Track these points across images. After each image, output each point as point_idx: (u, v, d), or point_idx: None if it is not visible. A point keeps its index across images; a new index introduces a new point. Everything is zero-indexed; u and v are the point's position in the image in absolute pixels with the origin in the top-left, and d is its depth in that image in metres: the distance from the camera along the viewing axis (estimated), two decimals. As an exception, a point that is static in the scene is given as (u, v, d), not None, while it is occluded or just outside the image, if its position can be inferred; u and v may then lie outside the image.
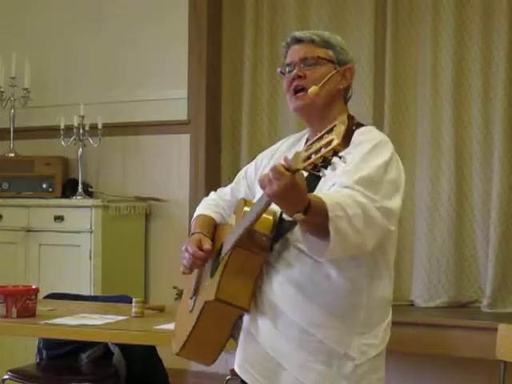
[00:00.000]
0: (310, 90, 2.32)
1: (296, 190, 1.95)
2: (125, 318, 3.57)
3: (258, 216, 2.15)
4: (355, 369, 2.25)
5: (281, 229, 2.24)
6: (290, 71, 2.40)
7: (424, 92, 4.71)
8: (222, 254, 2.32)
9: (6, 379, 3.89)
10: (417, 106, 4.76)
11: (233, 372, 3.65)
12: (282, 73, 2.44)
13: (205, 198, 2.70)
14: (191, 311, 2.47)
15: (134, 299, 3.67)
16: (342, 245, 2.06)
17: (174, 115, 5.20)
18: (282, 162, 1.93)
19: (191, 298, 2.51)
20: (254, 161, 2.61)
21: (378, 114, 4.77)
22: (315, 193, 2.15)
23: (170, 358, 4.03)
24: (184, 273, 2.49)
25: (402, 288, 4.72)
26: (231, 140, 5.23)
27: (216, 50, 5.22)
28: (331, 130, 1.80)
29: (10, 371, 3.92)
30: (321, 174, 1.84)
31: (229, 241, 2.28)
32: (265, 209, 2.11)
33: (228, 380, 3.86)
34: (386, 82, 4.76)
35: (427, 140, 4.66)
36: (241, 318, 2.34)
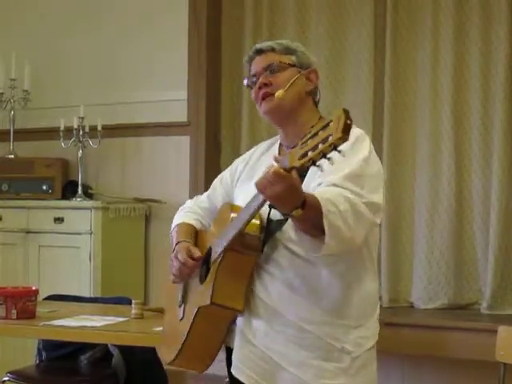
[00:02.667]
0: (276, 95, 2.37)
1: (294, 188, 2.00)
2: (124, 319, 3.57)
3: (252, 217, 2.18)
4: (352, 362, 2.30)
5: (269, 229, 2.27)
6: (255, 82, 2.46)
7: (423, 93, 4.71)
8: (212, 259, 2.33)
9: (5, 381, 3.90)
10: (416, 107, 4.76)
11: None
12: (248, 86, 2.50)
13: (181, 207, 2.76)
14: (181, 319, 2.48)
15: (133, 301, 3.67)
16: (335, 240, 2.10)
17: (174, 117, 5.20)
18: (276, 164, 1.96)
19: (180, 307, 2.52)
20: (230, 167, 2.67)
21: (377, 115, 4.78)
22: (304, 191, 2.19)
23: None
24: (174, 282, 2.52)
25: (401, 290, 4.72)
26: (231, 142, 5.23)
27: (216, 51, 5.23)
28: (327, 126, 1.83)
29: (10, 373, 3.93)
30: (319, 169, 1.88)
31: (219, 245, 2.29)
32: (258, 210, 2.14)
33: (227, 381, 3.86)
34: (385, 83, 4.76)
35: (427, 141, 4.66)
36: (233, 322, 2.36)
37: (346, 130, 1.78)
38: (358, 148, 2.28)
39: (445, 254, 4.59)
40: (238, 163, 2.63)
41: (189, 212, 2.68)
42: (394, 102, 4.75)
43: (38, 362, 4.17)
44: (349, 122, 1.79)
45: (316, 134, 1.87)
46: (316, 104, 2.49)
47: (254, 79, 2.47)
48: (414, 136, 4.75)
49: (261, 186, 2.01)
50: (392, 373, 4.41)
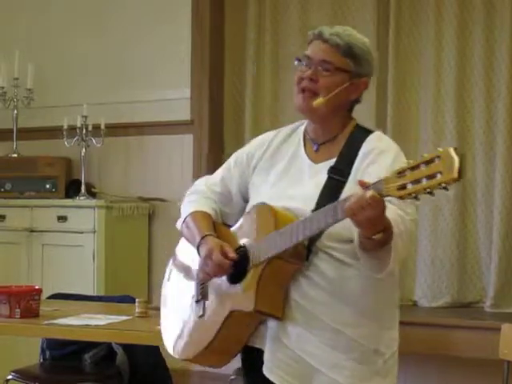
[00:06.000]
0: (315, 102, 2.30)
1: (384, 213, 2.00)
2: (128, 318, 3.57)
3: (318, 232, 2.16)
4: (384, 363, 2.30)
5: (311, 237, 2.25)
6: (305, 65, 2.35)
7: (426, 91, 4.71)
8: (253, 262, 2.28)
9: (9, 379, 3.90)
10: (419, 105, 4.76)
11: (236, 372, 3.66)
12: (298, 60, 2.38)
13: (192, 189, 2.59)
14: (201, 316, 2.43)
15: (137, 299, 3.67)
16: (395, 259, 2.12)
17: (177, 115, 5.20)
18: (371, 191, 1.95)
19: (197, 302, 2.45)
20: (246, 149, 2.55)
21: (380, 114, 4.77)
22: (342, 198, 2.18)
23: (173, 358, 4.03)
24: (204, 281, 2.42)
25: (405, 288, 4.71)
26: (234, 140, 5.23)
27: (218, 50, 5.23)
28: (431, 162, 1.85)
29: (14, 371, 3.92)
30: (417, 202, 1.93)
31: (263, 250, 2.24)
32: (328, 227, 2.13)
33: (232, 380, 3.87)
34: (388, 82, 4.76)
35: (430, 140, 4.66)
36: (260, 323, 2.33)
37: (461, 172, 1.80)
38: (399, 164, 2.26)
39: (448, 252, 4.59)
40: (257, 147, 2.52)
41: (203, 198, 2.52)
42: (396, 100, 4.75)
43: (41, 360, 4.17)
44: (463, 163, 1.80)
45: (417, 166, 1.88)
46: (352, 109, 2.43)
47: (306, 62, 2.35)
48: (417, 134, 4.75)
49: (352, 211, 1.99)
50: (395, 371, 4.40)
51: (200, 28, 5.17)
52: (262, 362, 2.31)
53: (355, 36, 2.37)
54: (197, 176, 5.14)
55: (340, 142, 2.37)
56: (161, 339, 3.33)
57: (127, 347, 3.98)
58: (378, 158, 2.27)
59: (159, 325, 3.32)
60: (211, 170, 5.05)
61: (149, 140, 5.32)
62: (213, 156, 5.17)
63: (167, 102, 5.21)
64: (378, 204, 1.96)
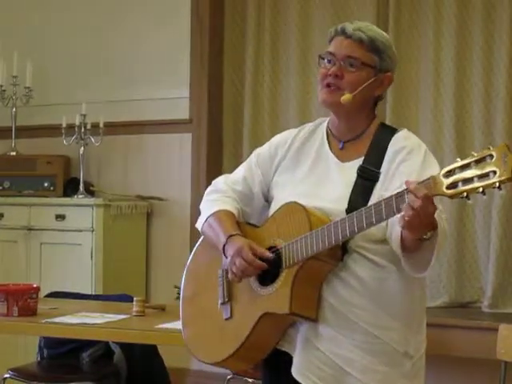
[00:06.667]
0: (342, 98, 2.27)
1: (434, 213, 1.99)
2: (126, 316, 3.56)
3: (358, 233, 2.13)
4: (412, 366, 2.28)
5: None
6: (329, 61, 2.32)
7: (425, 92, 4.71)
8: (287, 263, 2.23)
9: (6, 378, 3.90)
10: (418, 105, 4.76)
11: (235, 372, 3.65)
12: (321, 58, 2.35)
13: (212, 188, 2.52)
14: (229, 319, 2.36)
15: (134, 298, 3.67)
16: (435, 258, 2.10)
17: (176, 114, 5.20)
18: (423, 190, 1.94)
19: (223, 304, 2.38)
20: (268, 147, 2.49)
21: (379, 113, 4.74)
22: (373, 198, 2.19)
23: (170, 356, 4.04)
24: (233, 281, 2.34)
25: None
26: (233, 139, 5.23)
27: (218, 49, 5.23)
28: (482, 160, 1.82)
29: (11, 370, 3.92)
30: (469, 201, 1.90)
31: (298, 250, 2.20)
32: (369, 227, 2.10)
33: (229, 379, 3.87)
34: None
35: (429, 140, 4.65)
36: (290, 326, 2.30)
37: None
38: (430, 161, 2.32)
39: (446, 252, 4.58)
40: (279, 145, 2.45)
41: (225, 196, 2.46)
42: (395, 100, 4.75)
43: (39, 359, 4.17)
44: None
45: (467, 165, 1.85)
46: (376, 105, 2.42)
47: (330, 58, 2.32)
48: (416, 134, 4.68)
49: (401, 211, 1.97)
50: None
51: (199, 27, 5.17)
52: (288, 364, 2.28)
53: (377, 31, 2.36)
54: (196, 175, 5.17)
55: (365, 140, 2.35)
56: (158, 338, 3.33)
57: (125, 346, 3.98)
58: (409, 156, 2.26)
59: (157, 324, 3.34)
60: (210, 169, 5.12)
61: (147, 139, 5.31)
62: (212, 155, 5.17)
63: (166, 101, 5.21)
64: (429, 203, 1.95)
